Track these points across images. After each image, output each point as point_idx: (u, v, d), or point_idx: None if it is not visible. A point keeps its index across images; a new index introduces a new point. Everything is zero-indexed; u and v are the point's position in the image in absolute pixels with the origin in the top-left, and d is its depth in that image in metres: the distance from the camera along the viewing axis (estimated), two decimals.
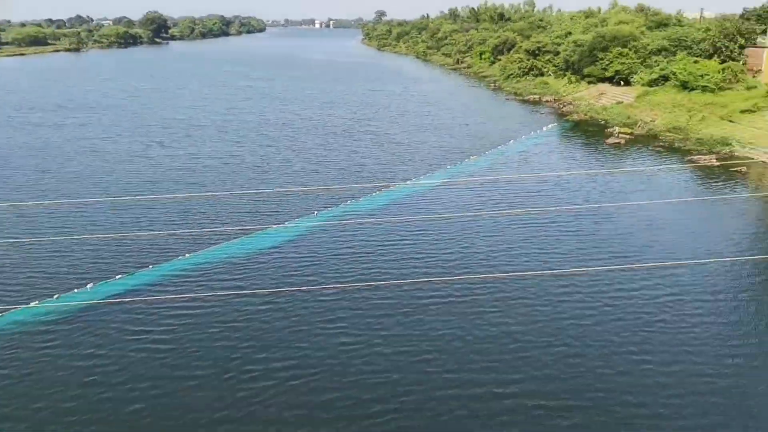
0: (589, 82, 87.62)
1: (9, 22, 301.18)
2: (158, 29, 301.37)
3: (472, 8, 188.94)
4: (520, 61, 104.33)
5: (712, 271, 30.64)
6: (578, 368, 22.87)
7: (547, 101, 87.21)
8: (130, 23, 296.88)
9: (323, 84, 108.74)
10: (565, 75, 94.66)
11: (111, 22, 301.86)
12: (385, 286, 28.91)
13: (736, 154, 53.20)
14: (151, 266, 30.96)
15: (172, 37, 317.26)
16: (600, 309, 27.14)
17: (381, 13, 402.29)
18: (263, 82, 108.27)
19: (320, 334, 25.16)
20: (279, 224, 36.60)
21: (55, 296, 27.80)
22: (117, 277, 29.79)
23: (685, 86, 70.72)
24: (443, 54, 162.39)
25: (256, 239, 34.59)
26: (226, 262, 31.72)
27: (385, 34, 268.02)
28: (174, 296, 27.90)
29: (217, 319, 26.34)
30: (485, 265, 31.50)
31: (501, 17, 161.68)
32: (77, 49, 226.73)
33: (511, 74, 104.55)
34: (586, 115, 74.19)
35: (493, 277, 29.81)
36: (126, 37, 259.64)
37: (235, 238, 34.53)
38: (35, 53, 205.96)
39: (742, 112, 60.80)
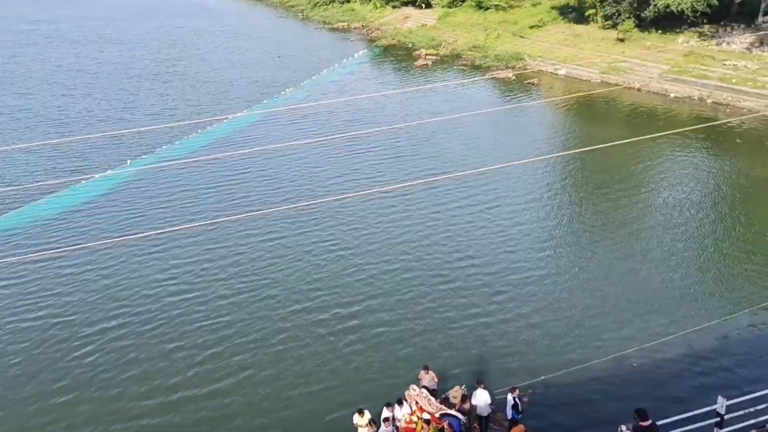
0: (394, 7, 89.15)
1: None
2: None
3: None
4: None
5: (518, 172, 33.75)
6: (413, 282, 24.39)
7: (355, 28, 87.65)
8: None
9: (118, 22, 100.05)
10: (370, 1, 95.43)
11: None
12: (214, 224, 28.36)
13: (528, 67, 57.74)
14: None
15: None
16: (425, 222, 28.92)
17: None
18: (47, 25, 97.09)
19: (151, 283, 24.37)
20: (87, 178, 34.00)
21: None
22: None
23: (480, 6, 74.56)
24: None
25: (64, 197, 31.97)
26: (33, 225, 29.14)
27: None
28: None
29: (29, 284, 24.41)
30: (311, 192, 32.00)
31: None
32: None
33: (318, 2, 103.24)
34: (393, 39, 75.81)
35: (319, 202, 30.35)
36: None
37: (39, 198, 31.66)
38: None
39: (531, 27, 65.65)
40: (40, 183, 32.78)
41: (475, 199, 30.96)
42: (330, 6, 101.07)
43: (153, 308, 22.91)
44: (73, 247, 26.49)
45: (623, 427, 12.16)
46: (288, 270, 25.17)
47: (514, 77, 55.16)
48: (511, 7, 72.67)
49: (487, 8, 73.63)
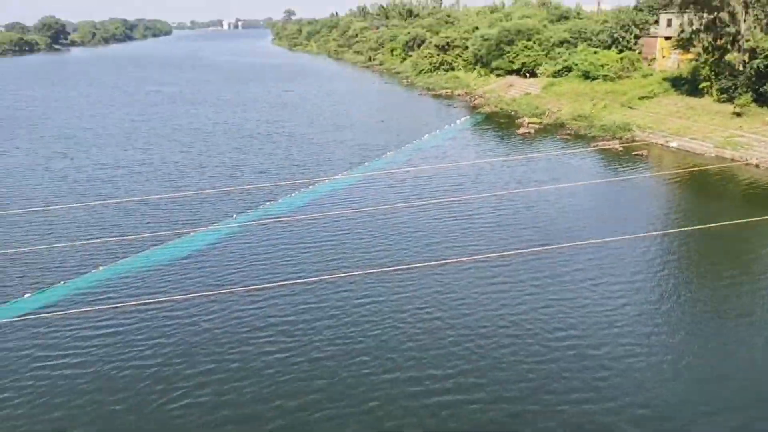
0: (498, 75, 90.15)
1: None
2: (56, 35, 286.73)
3: (381, 5, 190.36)
4: (430, 56, 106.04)
5: (625, 248, 32.24)
6: (510, 357, 23.47)
7: (459, 95, 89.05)
8: (24, 29, 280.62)
9: (236, 86, 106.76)
10: (474, 69, 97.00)
11: (2, 29, 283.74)
12: (311, 282, 28.76)
13: (637, 138, 56.13)
14: (62, 281, 29.53)
15: (72, 43, 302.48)
16: (525, 294, 27.99)
17: (290, 12, 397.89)
18: (172, 87, 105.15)
19: (249, 338, 24.78)
20: (196, 230, 35.68)
21: None
22: (26, 295, 28.23)
23: (587, 76, 73.96)
24: (355, 52, 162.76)
25: (173, 247, 33.59)
26: (145, 272, 30.65)
27: (296, 34, 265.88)
28: (90, 309, 26.71)
29: (137, 329, 25.44)
30: (410, 255, 31.90)
31: (410, 14, 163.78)
32: None
33: (423, 69, 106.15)
34: (496, 107, 76.27)
35: (418, 266, 30.19)
36: (21, 44, 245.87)
37: (153, 245, 33.43)
38: None
39: (641, 98, 64.17)
40: (154, 233, 34.74)
41: (578, 274, 29.69)
42: (435, 73, 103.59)
43: (248, 362, 23.20)
44: (180, 296, 27.60)
45: None
46: (381, 335, 24.86)
47: (621, 148, 53.73)
48: (619, 77, 71.59)
49: (594, 78, 72.88)
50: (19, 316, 26.33)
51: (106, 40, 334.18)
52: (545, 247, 31.94)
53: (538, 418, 19.92)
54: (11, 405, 20.96)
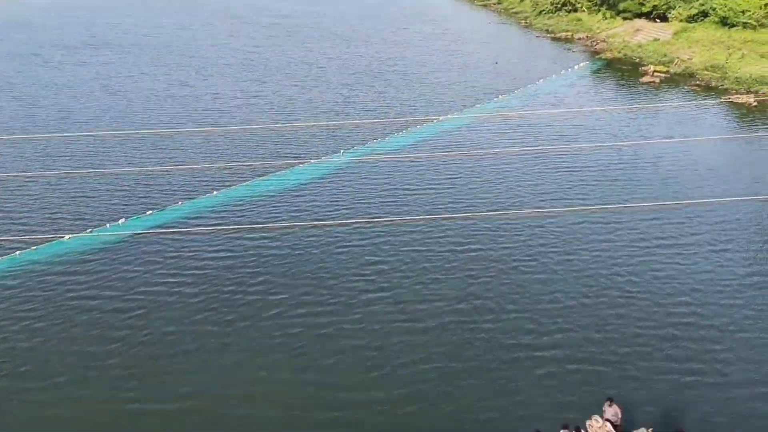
0: (625, 18, 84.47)
1: None
2: None
3: None
4: None
5: (752, 211, 30.19)
6: (618, 319, 22.85)
7: (579, 39, 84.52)
8: None
9: (350, 22, 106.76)
10: (599, 10, 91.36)
11: None
12: (413, 221, 28.99)
13: None
14: (180, 202, 31.40)
15: None
16: (641, 252, 26.92)
17: None
18: (288, 20, 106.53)
19: (349, 272, 25.52)
20: (304, 163, 36.62)
21: (88, 231, 28.43)
22: (148, 212, 30.28)
23: (724, 22, 67.80)
24: None
25: (283, 178, 34.72)
26: (255, 199, 32.01)
27: None
28: (204, 230, 28.35)
29: (244, 253, 26.80)
30: (518, 203, 31.37)
31: None
32: None
33: (543, 10, 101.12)
34: (619, 53, 71.86)
35: (528, 213, 29.67)
36: None
37: (263, 175, 34.72)
38: None
39: None
40: (265, 163, 36.02)
41: (700, 236, 28.11)
42: (555, 15, 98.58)
43: (349, 298, 23.95)
44: (287, 225, 28.74)
45: None
46: (487, 281, 24.84)
47: (756, 103, 49.44)
48: (762, 25, 65.17)
49: (733, 25, 66.71)
50: (139, 232, 28.38)
51: None
52: (664, 203, 30.37)
53: (644, 384, 19.32)
54: (126, 314, 22.85)
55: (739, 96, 51.19)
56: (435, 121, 44.73)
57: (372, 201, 31.91)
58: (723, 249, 26.85)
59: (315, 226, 28.63)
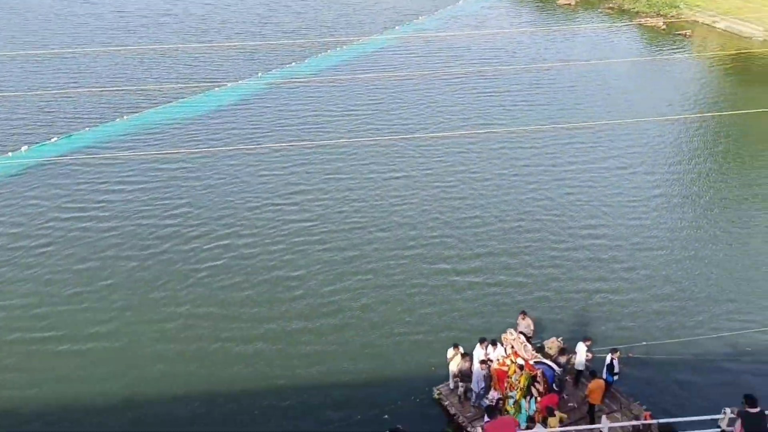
0: None
1: None
2: None
3: None
4: None
5: (659, 130, 31.60)
6: (529, 235, 23.80)
7: None
8: None
9: None
10: None
11: None
12: (334, 145, 28.80)
13: (683, 16, 53.01)
14: (87, 128, 29.88)
15: None
16: (560, 170, 27.88)
17: None
18: None
19: (268, 194, 25.31)
20: (221, 86, 35.33)
21: None
22: (52, 139, 28.71)
23: None
24: None
25: (197, 102, 33.46)
26: (168, 124, 30.85)
27: None
28: (114, 156, 27.24)
29: (157, 179, 26.05)
30: (440, 125, 31.59)
31: None
32: None
33: None
34: None
35: (448, 136, 29.95)
36: None
37: (176, 99, 33.34)
38: None
39: None
40: (177, 86, 34.51)
41: (604, 152, 29.38)
42: None
43: (268, 223, 23.81)
44: (197, 150, 27.92)
45: (728, 410, 11.40)
46: (401, 205, 25.19)
47: (664, 26, 50.94)
48: None
49: None
50: (44, 161, 26.92)
51: None
52: (578, 124, 31.30)
53: (542, 286, 20.45)
54: (33, 250, 21.96)
55: (649, 19, 52.51)
56: (355, 42, 43.83)
57: (292, 125, 31.37)
58: (633, 171, 28.11)
59: (233, 152, 27.95)
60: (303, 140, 29.14)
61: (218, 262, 21.31)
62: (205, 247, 22.04)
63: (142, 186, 25.57)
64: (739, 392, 11.84)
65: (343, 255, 21.82)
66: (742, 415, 11.16)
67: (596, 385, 14.90)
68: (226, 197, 24.96)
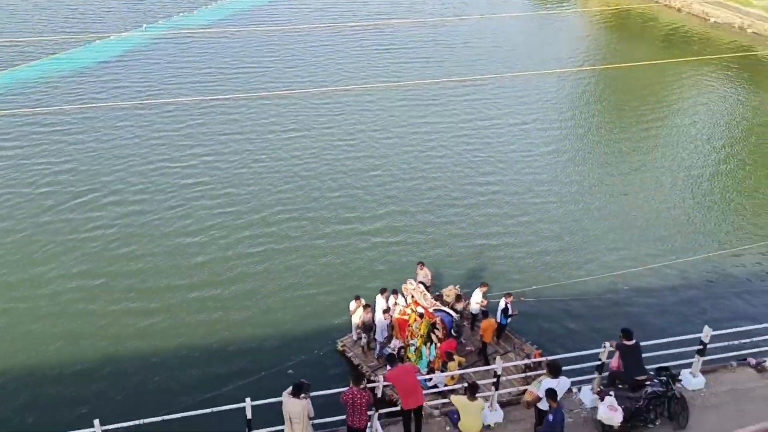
0: None
1: None
2: None
3: None
4: None
5: (541, 84, 32.89)
6: (418, 179, 24.36)
7: None
8: None
9: None
10: None
11: None
12: (228, 100, 28.04)
13: None
14: None
15: None
16: (450, 121, 28.51)
17: None
18: None
19: (161, 152, 24.43)
20: (102, 38, 33.25)
21: None
22: None
23: None
24: None
25: (76, 56, 31.41)
26: (44, 81, 28.83)
27: None
28: None
29: (31, 137, 24.49)
30: (337, 79, 31.37)
31: None
32: None
33: None
34: None
35: (346, 90, 29.79)
36: None
37: (53, 53, 31.11)
38: None
39: None
40: (53, 38, 32.14)
41: (499, 108, 30.29)
42: None
43: (153, 178, 23.02)
44: (81, 106, 26.35)
45: (607, 344, 12.42)
46: (300, 162, 25.01)
47: None
48: None
49: None
50: None
51: None
52: (473, 78, 31.97)
53: (438, 237, 21.18)
54: None
55: None
56: None
57: (181, 79, 30.16)
58: (524, 123, 29.21)
59: (120, 109, 26.59)
60: (196, 97, 28.08)
61: (109, 231, 20.25)
62: (93, 215, 20.90)
63: (18, 149, 23.90)
64: (617, 326, 12.94)
65: (244, 219, 21.44)
66: (620, 347, 12.24)
67: (488, 324, 15.76)
68: (115, 159, 23.80)
